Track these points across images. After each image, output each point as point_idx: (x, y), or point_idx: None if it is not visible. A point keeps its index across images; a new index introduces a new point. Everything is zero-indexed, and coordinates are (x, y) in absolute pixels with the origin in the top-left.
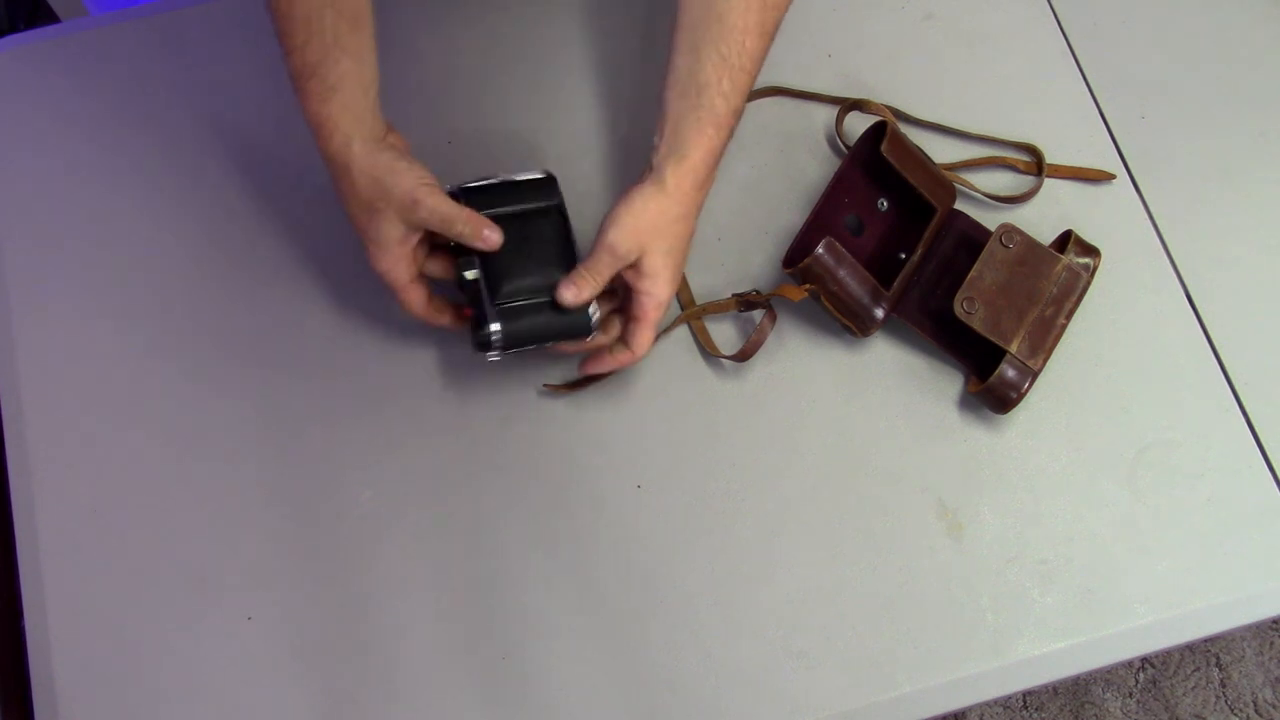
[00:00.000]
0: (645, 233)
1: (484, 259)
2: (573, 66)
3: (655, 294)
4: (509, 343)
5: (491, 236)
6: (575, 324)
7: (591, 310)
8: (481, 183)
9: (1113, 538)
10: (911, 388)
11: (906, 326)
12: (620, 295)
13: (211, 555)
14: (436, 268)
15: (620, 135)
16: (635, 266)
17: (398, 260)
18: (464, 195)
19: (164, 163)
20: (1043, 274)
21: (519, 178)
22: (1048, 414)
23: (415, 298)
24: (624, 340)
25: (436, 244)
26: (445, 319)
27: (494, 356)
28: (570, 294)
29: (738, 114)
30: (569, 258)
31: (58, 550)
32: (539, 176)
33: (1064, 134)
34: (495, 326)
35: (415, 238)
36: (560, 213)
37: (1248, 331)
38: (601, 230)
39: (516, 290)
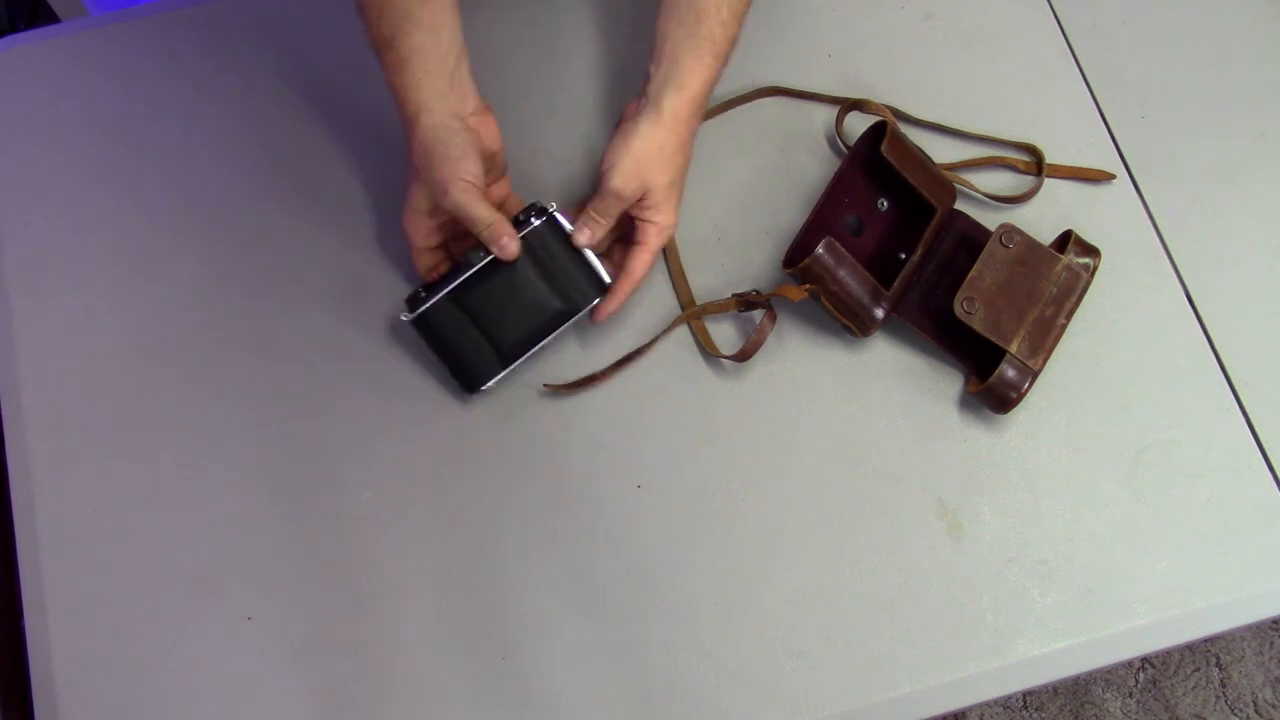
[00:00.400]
0: (647, 169)
1: (483, 276)
2: (571, 63)
3: (660, 221)
4: (422, 326)
5: (509, 245)
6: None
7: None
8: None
9: (1113, 538)
10: (911, 388)
11: (906, 326)
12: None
13: (211, 555)
14: (458, 249)
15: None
16: (640, 201)
17: (417, 227)
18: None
19: (164, 162)
20: (1043, 274)
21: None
22: (1048, 414)
23: (423, 262)
24: (624, 266)
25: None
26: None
27: (405, 316)
28: (585, 236)
29: (734, 42)
30: (535, 335)
31: (58, 550)
32: (604, 279)
33: (1064, 134)
34: (409, 313)
35: (442, 216)
36: (528, 249)
37: (1248, 331)
38: (604, 175)
39: (512, 347)
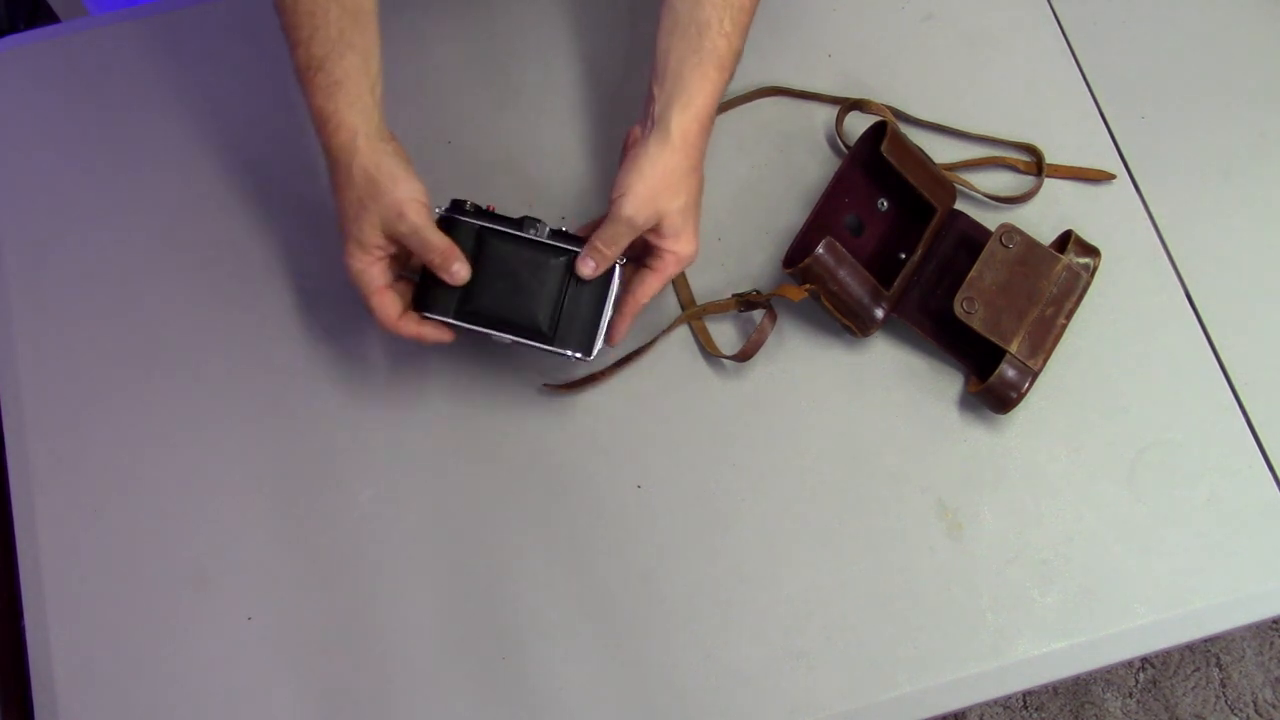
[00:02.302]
0: (660, 196)
1: (519, 247)
2: (572, 64)
3: (679, 251)
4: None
5: (459, 272)
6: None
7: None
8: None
9: (1113, 538)
10: (911, 388)
11: (906, 326)
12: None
13: (211, 555)
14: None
15: (616, 134)
16: (655, 229)
17: (372, 263)
18: (466, 214)
19: (164, 162)
20: (1043, 274)
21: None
22: (1048, 414)
23: (386, 303)
24: (630, 288)
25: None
26: (415, 329)
27: (438, 209)
28: (588, 268)
29: (738, 55)
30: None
31: (58, 550)
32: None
33: (1064, 134)
34: (442, 210)
35: (393, 248)
36: (571, 263)
37: (1248, 331)
38: (614, 203)
39: (477, 312)
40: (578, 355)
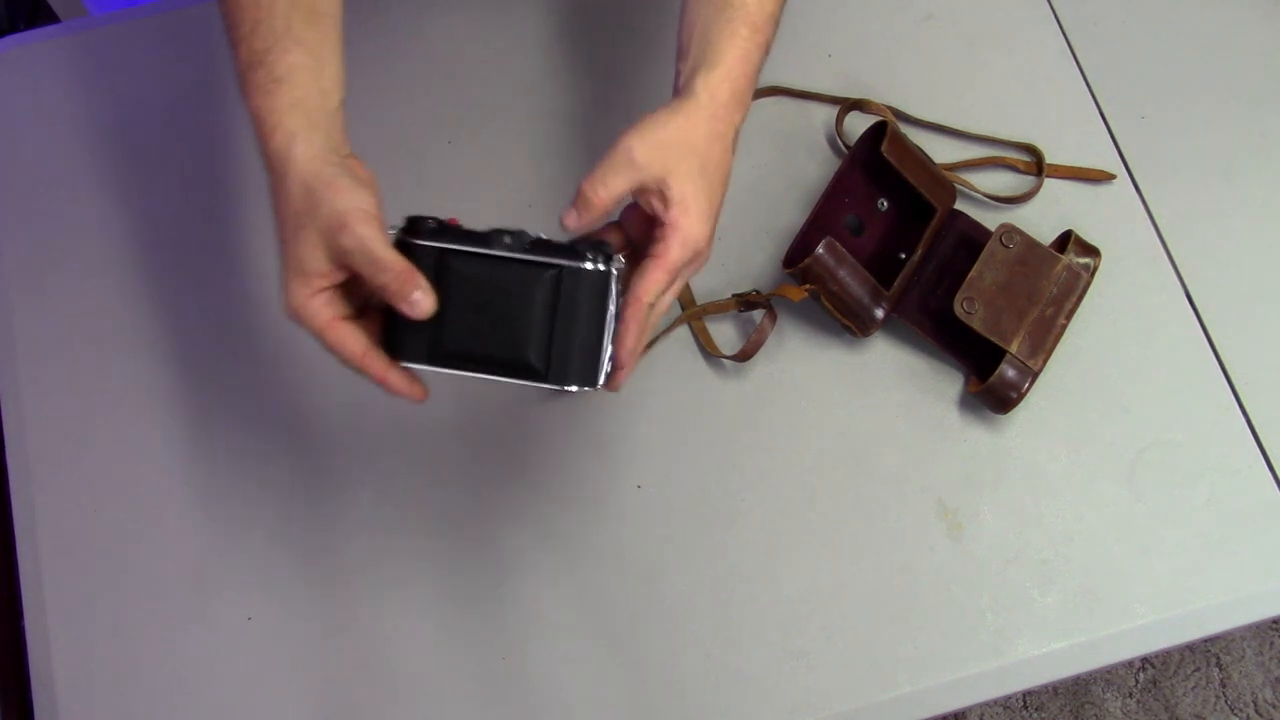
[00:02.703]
0: (671, 146)
1: (494, 267)
2: (577, 63)
3: (683, 227)
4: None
5: (421, 302)
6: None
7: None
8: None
9: (1113, 538)
10: (911, 388)
11: (906, 326)
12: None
13: (211, 555)
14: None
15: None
16: (660, 193)
17: (312, 295)
18: (428, 233)
19: (164, 162)
20: (1043, 274)
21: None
22: (1048, 414)
23: (344, 335)
24: (629, 285)
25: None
26: (382, 370)
27: (392, 229)
28: (571, 218)
29: (775, 21)
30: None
31: (58, 550)
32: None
33: (1064, 134)
34: (397, 232)
35: (340, 275)
36: (558, 278)
37: (1248, 331)
38: (619, 137)
39: (452, 353)
40: (582, 389)
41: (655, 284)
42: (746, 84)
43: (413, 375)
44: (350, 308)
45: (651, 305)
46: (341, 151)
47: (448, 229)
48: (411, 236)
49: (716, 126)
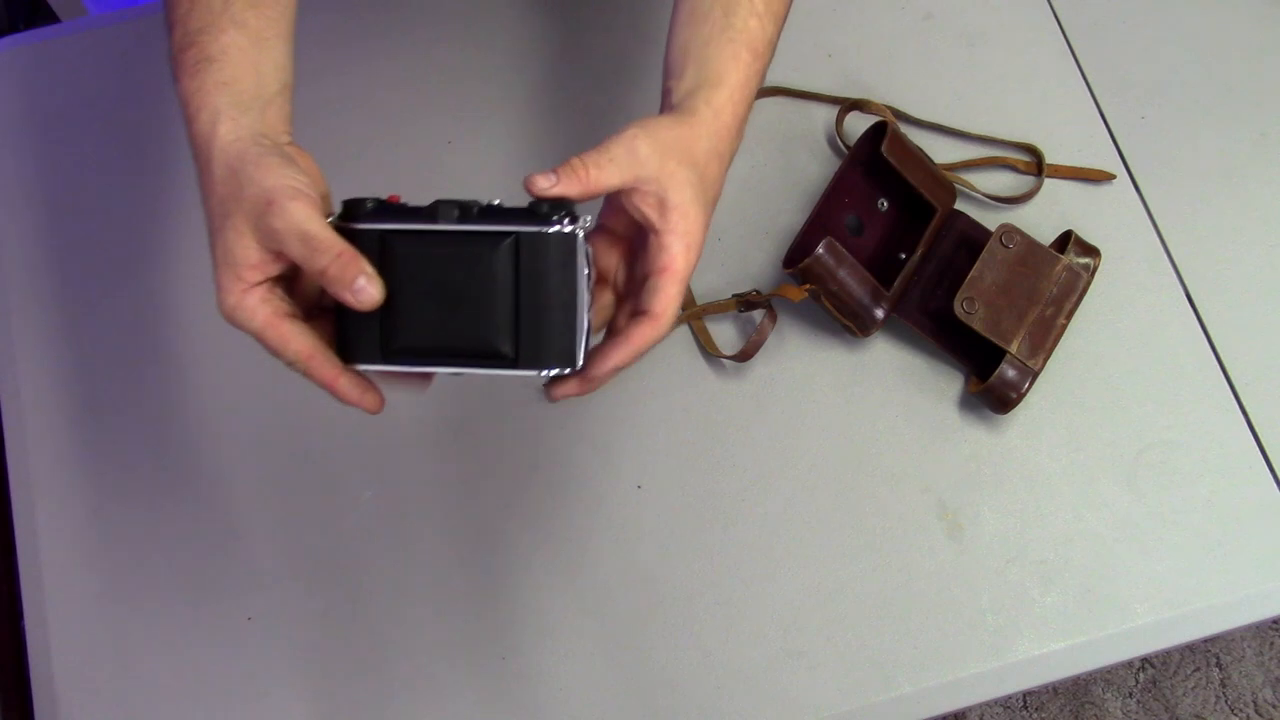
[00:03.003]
0: (674, 150)
1: (444, 243)
2: (578, 64)
3: (687, 235)
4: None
5: (366, 289)
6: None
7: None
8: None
9: (1113, 538)
10: (911, 388)
11: (906, 326)
12: (621, 280)
13: (211, 555)
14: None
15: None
16: (659, 197)
17: (246, 291)
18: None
19: (164, 162)
20: (1043, 274)
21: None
22: (1048, 414)
23: (287, 334)
24: (641, 307)
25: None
26: (331, 376)
27: (331, 217)
28: (545, 182)
29: (772, 45)
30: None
31: (58, 550)
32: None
33: (1064, 134)
34: (337, 218)
35: (276, 266)
36: (516, 247)
37: (1248, 331)
38: (622, 128)
39: (408, 347)
40: (561, 371)
41: (672, 299)
42: (745, 110)
43: (366, 383)
44: (294, 308)
45: (670, 324)
46: (278, 139)
47: (388, 208)
48: (350, 222)
49: (718, 145)
